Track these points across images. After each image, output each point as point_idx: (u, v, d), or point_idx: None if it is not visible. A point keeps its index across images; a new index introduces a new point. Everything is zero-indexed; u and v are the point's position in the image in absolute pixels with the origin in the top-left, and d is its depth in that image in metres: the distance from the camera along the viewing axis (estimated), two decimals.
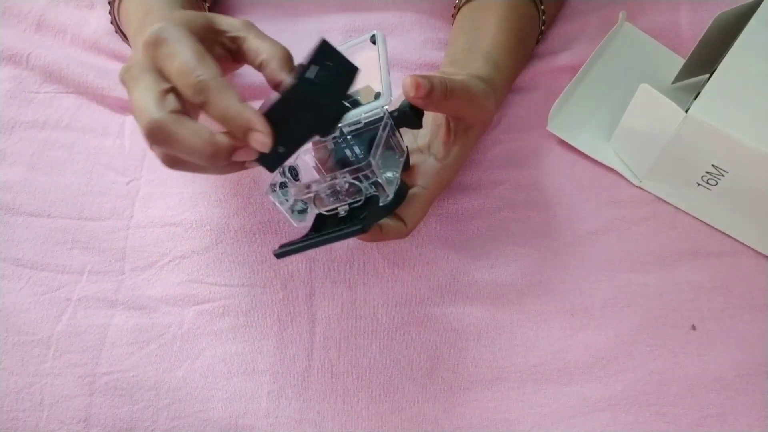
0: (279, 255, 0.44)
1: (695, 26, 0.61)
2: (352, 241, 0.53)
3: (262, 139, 0.39)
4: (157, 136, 0.39)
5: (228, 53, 0.45)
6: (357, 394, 0.48)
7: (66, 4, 0.63)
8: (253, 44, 0.44)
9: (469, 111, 0.47)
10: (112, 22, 0.57)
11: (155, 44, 0.40)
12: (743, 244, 0.53)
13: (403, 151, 0.46)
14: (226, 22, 0.44)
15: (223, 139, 0.39)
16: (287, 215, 0.45)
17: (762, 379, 0.48)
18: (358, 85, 0.46)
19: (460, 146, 0.49)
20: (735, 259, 0.52)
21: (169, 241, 0.53)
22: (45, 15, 0.62)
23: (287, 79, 0.41)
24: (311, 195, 0.44)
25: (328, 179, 0.43)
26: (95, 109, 0.59)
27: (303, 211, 0.45)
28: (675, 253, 0.52)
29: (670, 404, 0.47)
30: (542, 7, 0.57)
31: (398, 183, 0.45)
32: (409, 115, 0.44)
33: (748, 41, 0.51)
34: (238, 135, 0.39)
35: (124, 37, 0.58)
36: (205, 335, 0.50)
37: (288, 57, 0.43)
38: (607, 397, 0.47)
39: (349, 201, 0.44)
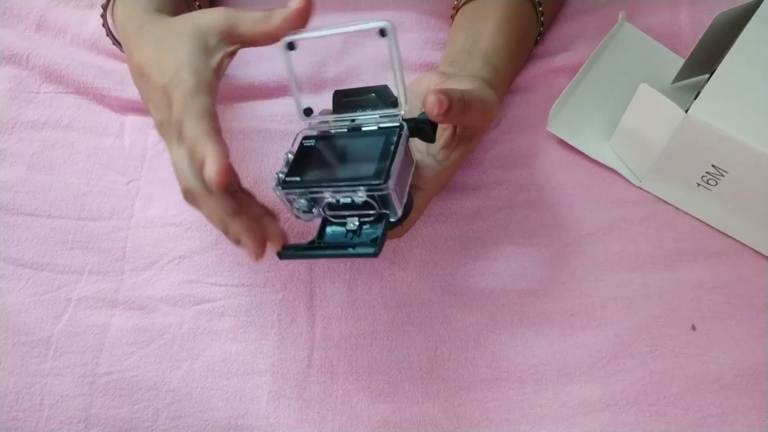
0: (282, 256, 0.43)
1: (695, 26, 0.61)
2: None
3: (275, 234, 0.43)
4: (189, 198, 0.43)
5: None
6: (357, 394, 0.48)
7: (66, 5, 0.63)
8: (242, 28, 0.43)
9: (482, 122, 0.47)
10: (107, 35, 0.57)
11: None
12: (743, 244, 0.53)
13: (413, 161, 0.45)
14: (213, 43, 0.43)
15: (235, 228, 0.42)
16: (292, 213, 0.44)
17: (762, 379, 0.48)
18: (372, 81, 0.45)
19: (462, 151, 0.49)
20: (735, 259, 0.52)
21: (169, 241, 0.53)
22: (45, 15, 0.62)
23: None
24: (316, 197, 0.42)
25: (339, 188, 0.41)
26: (95, 109, 0.59)
27: (308, 211, 0.43)
28: (675, 253, 0.52)
29: (670, 404, 0.47)
30: (540, 9, 0.57)
31: (407, 196, 0.44)
32: (426, 131, 0.43)
33: (748, 41, 0.51)
34: (234, 243, 0.42)
35: (118, 43, 0.57)
36: (205, 335, 0.50)
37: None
38: (607, 397, 0.47)
39: (359, 214, 0.42)
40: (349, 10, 0.63)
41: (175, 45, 0.43)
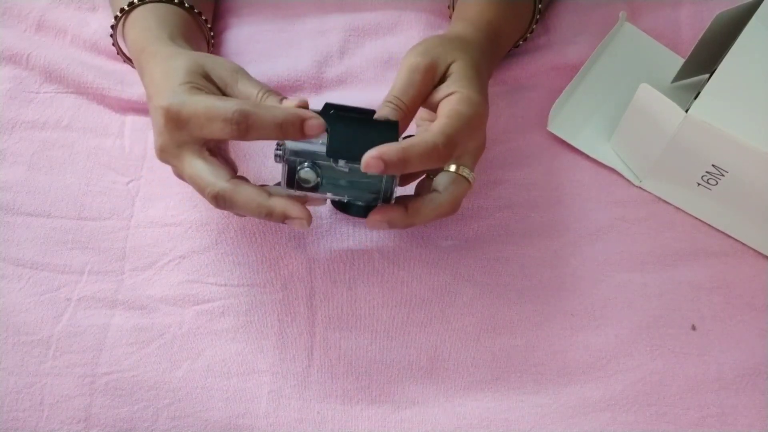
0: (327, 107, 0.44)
1: (695, 26, 0.61)
2: (352, 241, 0.53)
3: (301, 216, 0.44)
4: (221, 202, 0.45)
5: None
6: (357, 394, 0.48)
7: (67, 6, 0.63)
8: (240, 90, 0.46)
9: (468, 137, 0.47)
10: (115, 48, 0.57)
11: (176, 123, 0.44)
12: (743, 244, 0.53)
13: None
14: (217, 74, 0.47)
15: (279, 205, 0.44)
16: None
17: (762, 379, 0.48)
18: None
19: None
20: (735, 259, 0.52)
21: (169, 241, 0.53)
22: (45, 15, 0.62)
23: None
24: (311, 155, 0.44)
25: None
26: (95, 109, 0.59)
27: (304, 180, 0.44)
28: (675, 253, 0.52)
29: (670, 404, 0.47)
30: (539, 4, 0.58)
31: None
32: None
33: (748, 41, 0.51)
34: (281, 221, 0.45)
35: (125, 58, 0.58)
36: (205, 335, 0.50)
37: (274, 92, 0.46)
38: (607, 397, 0.47)
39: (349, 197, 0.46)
40: (349, 11, 0.63)
41: (176, 67, 0.46)
